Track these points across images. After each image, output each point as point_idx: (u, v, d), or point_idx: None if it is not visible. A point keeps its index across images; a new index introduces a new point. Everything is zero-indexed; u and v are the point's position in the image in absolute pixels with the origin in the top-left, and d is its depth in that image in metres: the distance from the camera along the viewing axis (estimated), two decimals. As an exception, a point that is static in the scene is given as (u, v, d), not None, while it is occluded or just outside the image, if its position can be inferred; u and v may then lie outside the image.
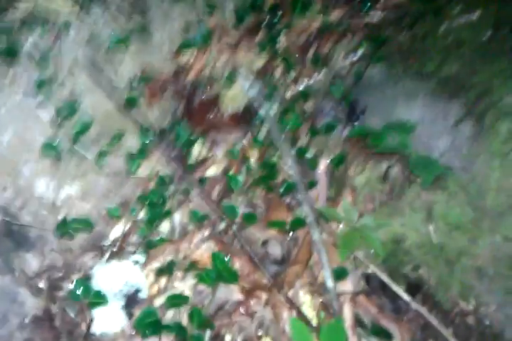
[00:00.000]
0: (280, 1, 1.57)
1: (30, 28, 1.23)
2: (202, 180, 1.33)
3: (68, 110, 1.26)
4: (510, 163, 1.12)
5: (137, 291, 1.20)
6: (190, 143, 1.39)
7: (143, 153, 1.34)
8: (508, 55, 1.22)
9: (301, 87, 1.46)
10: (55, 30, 1.26)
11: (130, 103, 1.35)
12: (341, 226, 1.25)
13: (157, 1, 1.46)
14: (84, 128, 1.27)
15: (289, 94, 1.45)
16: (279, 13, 1.54)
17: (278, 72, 1.50)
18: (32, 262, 1.20)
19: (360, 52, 1.45)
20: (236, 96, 1.44)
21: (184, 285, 1.22)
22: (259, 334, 1.17)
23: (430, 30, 1.37)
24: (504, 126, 1.14)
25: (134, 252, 1.26)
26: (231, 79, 1.43)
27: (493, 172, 1.14)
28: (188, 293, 1.19)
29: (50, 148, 1.22)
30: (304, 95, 1.43)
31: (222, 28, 1.58)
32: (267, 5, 1.55)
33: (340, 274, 1.17)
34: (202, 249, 1.24)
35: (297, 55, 1.51)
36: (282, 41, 1.53)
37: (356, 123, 1.37)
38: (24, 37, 1.23)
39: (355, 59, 1.46)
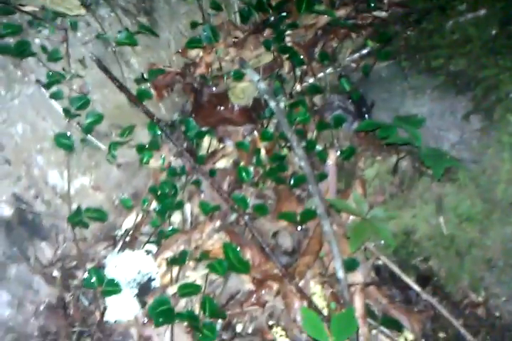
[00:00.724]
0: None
1: (37, 30, 1.24)
2: (212, 172, 1.34)
3: (81, 102, 1.26)
4: (520, 154, 1.13)
5: (150, 280, 1.21)
6: (200, 136, 1.39)
7: (154, 144, 1.35)
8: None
9: (309, 81, 1.47)
10: (63, 28, 1.27)
11: (141, 96, 1.36)
12: (352, 217, 1.25)
13: (163, 2, 1.47)
14: (97, 119, 1.28)
15: (298, 88, 1.46)
16: (286, 10, 1.55)
17: (286, 67, 1.51)
18: (46, 251, 1.21)
19: (367, 48, 1.46)
20: (245, 89, 1.44)
21: (196, 274, 1.22)
22: (270, 323, 1.17)
23: (437, 27, 1.38)
24: (513, 119, 1.15)
25: (147, 242, 1.27)
26: (239, 73, 1.43)
27: (503, 164, 1.15)
28: (199, 282, 1.20)
29: (63, 139, 1.23)
30: (313, 89, 1.43)
31: (228, 26, 1.59)
32: (273, 2, 1.56)
33: (350, 265, 1.18)
34: (213, 240, 1.25)
35: (305, 50, 1.51)
36: (289, 37, 1.54)
37: (365, 117, 1.38)
38: (32, 37, 1.23)
39: (362, 54, 1.47)
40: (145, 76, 1.40)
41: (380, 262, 1.23)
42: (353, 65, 1.49)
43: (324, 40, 1.55)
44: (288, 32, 1.54)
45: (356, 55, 1.48)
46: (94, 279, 1.14)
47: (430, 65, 1.31)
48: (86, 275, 1.15)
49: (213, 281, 1.22)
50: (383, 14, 1.55)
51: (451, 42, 1.33)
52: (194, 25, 1.50)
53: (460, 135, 1.21)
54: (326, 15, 1.53)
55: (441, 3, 1.44)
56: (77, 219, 1.21)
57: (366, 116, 1.38)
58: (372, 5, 1.55)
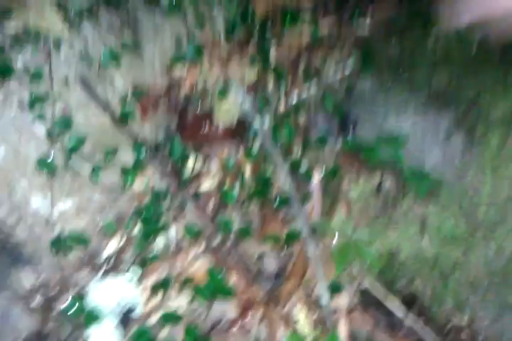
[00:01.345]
0: (270, 15, 1.58)
1: (21, 46, 1.23)
2: (196, 195, 1.33)
3: (63, 125, 1.26)
4: (501, 175, 1.14)
5: (132, 308, 1.20)
6: (184, 158, 1.39)
7: (137, 167, 1.34)
8: (495, 69, 1.24)
9: (293, 101, 1.47)
10: (46, 48, 1.26)
11: (124, 118, 1.35)
12: (336, 239, 1.25)
13: (148, 17, 1.47)
14: (79, 143, 1.27)
15: (281, 108, 1.46)
16: (269, 26, 1.55)
17: (270, 86, 1.51)
18: (26, 279, 1.20)
19: (349, 65, 1.47)
20: (229, 110, 1.44)
21: (179, 301, 1.22)
22: (255, 350, 1.17)
23: (418, 45, 1.39)
24: (494, 139, 1.15)
25: (129, 268, 1.26)
26: (224, 92, 1.43)
27: (484, 185, 1.16)
28: (183, 309, 1.19)
29: (44, 164, 1.22)
30: (297, 108, 1.44)
31: (213, 42, 1.59)
32: (257, 19, 1.56)
33: (335, 288, 1.18)
34: (198, 264, 1.25)
35: (288, 69, 1.52)
36: (273, 55, 1.55)
37: (348, 136, 1.39)
38: (15, 55, 1.23)
39: (345, 72, 1.47)
40: (129, 96, 1.39)
41: (365, 284, 1.23)
42: (337, 82, 1.49)
43: (308, 58, 1.55)
44: (272, 50, 1.54)
45: (339, 74, 1.48)
46: (75, 307, 1.13)
47: (413, 82, 1.31)
48: (67, 303, 1.14)
49: (197, 308, 1.21)
50: (367, 31, 1.55)
51: (432, 60, 1.34)
52: (179, 44, 1.50)
53: (442, 154, 1.22)
54: (309, 34, 1.54)
55: (422, 21, 1.44)
56: (58, 244, 1.20)
57: (349, 134, 1.38)
58: (355, 24, 1.56)
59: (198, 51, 1.46)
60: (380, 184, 1.27)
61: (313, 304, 1.18)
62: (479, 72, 1.25)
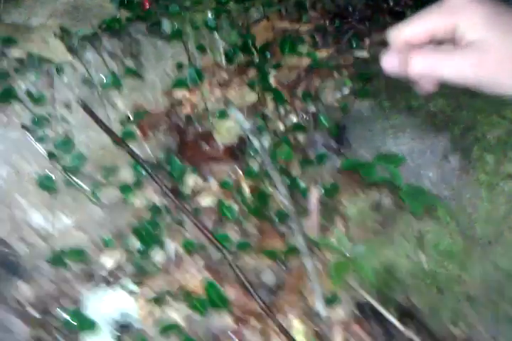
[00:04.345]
0: (270, 42, 1.63)
1: (25, 70, 1.27)
2: (197, 210, 1.35)
3: (65, 145, 1.28)
4: (497, 193, 1.15)
5: (130, 321, 1.20)
6: (184, 175, 1.41)
7: (138, 184, 1.36)
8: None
9: (293, 120, 1.50)
10: (49, 72, 1.30)
11: (126, 137, 1.38)
12: (334, 254, 1.26)
13: (149, 45, 1.51)
14: (80, 162, 1.29)
15: (281, 127, 1.49)
16: (270, 52, 1.59)
17: (270, 107, 1.54)
18: (25, 291, 1.20)
19: (348, 87, 1.49)
20: (230, 128, 1.47)
21: (178, 314, 1.22)
22: (253, 364, 1.17)
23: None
24: (491, 158, 1.17)
25: (128, 282, 1.26)
26: (224, 113, 1.46)
27: (482, 202, 1.17)
28: (181, 322, 1.19)
29: (47, 181, 1.24)
30: (296, 128, 1.46)
31: (214, 67, 1.63)
32: (258, 44, 1.60)
33: (332, 302, 1.18)
34: (196, 279, 1.25)
35: (288, 89, 1.55)
36: (273, 76, 1.58)
37: (347, 155, 1.40)
38: (19, 78, 1.26)
39: (344, 94, 1.50)
40: (131, 117, 1.42)
41: (362, 299, 1.23)
42: (335, 104, 1.52)
43: (307, 80, 1.58)
44: (272, 73, 1.58)
45: (338, 95, 1.51)
46: (73, 319, 1.13)
47: (410, 105, 1.34)
48: (65, 315, 1.15)
49: (195, 321, 1.21)
50: (364, 54, 1.59)
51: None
52: (180, 66, 1.54)
53: (440, 173, 1.23)
54: (308, 58, 1.57)
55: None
56: (58, 260, 1.21)
57: (348, 153, 1.40)
58: (354, 45, 1.60)
59: (199, 75, 1.49)
60: (378, 201, 1.29)
61: (310, 317, 1.18)
62: (475, 94, 1.27)
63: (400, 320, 1.18)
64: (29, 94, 1.26)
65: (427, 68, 0.72)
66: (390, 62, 0.74)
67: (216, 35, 1.63)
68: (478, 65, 0.69)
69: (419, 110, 1.31)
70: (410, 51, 0.73)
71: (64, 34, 1.40)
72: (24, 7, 1.46)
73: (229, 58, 1.62)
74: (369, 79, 1.46)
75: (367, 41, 1.64)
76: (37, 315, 1.19)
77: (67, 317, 1.14)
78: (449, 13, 0.73)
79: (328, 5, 1.88)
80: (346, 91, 1.50)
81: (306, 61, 1.61)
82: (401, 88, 1.39)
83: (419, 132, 1.29)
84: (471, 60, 0.71)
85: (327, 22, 1.70)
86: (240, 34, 1.61)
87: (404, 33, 0.76)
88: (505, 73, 0.68)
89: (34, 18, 1.43)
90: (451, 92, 1.30)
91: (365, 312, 1.22)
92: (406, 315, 1.20)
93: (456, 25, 0.72)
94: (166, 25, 1.56)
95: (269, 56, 1.58)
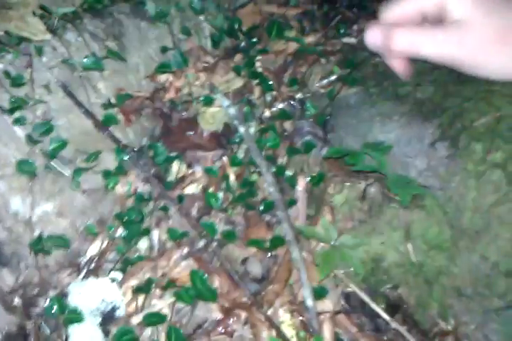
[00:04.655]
0: (256, 26, 1.60)
1: (2, 49, 1.22)
2: (181, 198, 1.32)
3: (44, 128, 1.24)
4: (485, 182, 1.14)
5: (114, 309, 1.18)
6: (168, 161, 1.38)
7: (121, 170, 1.33)
8: (479, 79, 1.25)
9: (279, 107, 1.47)
10: (28, 52, 1.25)
11: (108, 121, 1.34)
12: (321, 244, 1.25)
13: (132, 26, 1.47)
14: (61, 145, 1.25)
15: (267, 114, 1.46)
16: (256, 36, 1.56)
17: (256, 93, 1.52)
18: (7, 278, 1.17)
19: (335, 74, 1.47)
20: (215, 114, 1.44)
21: (162, 303, 1.20)
22: (238, 354, 1.15)
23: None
24: (479, 146, 1.16)
25: (112, 269, 1.24)
26: (209, 98, 1.43)
27: (469, 192, 1.16)
28: (166, 311, 1.17)
29: (26, 165, 1.20)
30: (283, 115, 1.44)
31: (199, 51, 1.59)
32: (244, 28, 1.57)
33: (319, 293, 1.17)
34: (181, 267, 1.23)
35: (274, 75, 1.52)
36: (260, 63, 1.55)
37: (333, 143, 1.39)
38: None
39: (331, 80, 1.48)
40: (112, 101, 1.38)
41: (349, 289, 1.22)
42: (322, 90, 1.50)
43: (294, 65, 1.56)
44: (258, 58, 1.55)
45: (325, 81, 1.49)
46: (56, 307, 1.11)
47: (397, 92, 1.32)
48: (48, 303, 1.12)
49: (180, 310, 1.19)
50: (352, 40, 1.57)
51: (418, 69, 1.35)
52: (164, 50, 1.50)
53: (427, 162, 1.22)
54: (295, 42, 1.55)
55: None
56: (39, 246, 1.18)
57: (333, 141, 1.39)
58: (342, 31, 1.58)
59: (184, 58, 1.45)
60: (365, 190, 1.27)
61: (297, 307, 1.17)
62: (463, 82, 1.27)
63: (387, 311, 1.18)
64: (6, 74, 1.21)
65: (409, 44, 0.71)
66: (373, 37, 0.73)
67: (201, 17, 1.59)
68: (459, 43, 0.68)
69: (406, 97, 1.30)
70: (394, 27, 0.71)
71: (44, 13, 1.34)
72: (2, -16, 1.40)
73: (214, 42, 1.59)
74: (356, 65, 1.44)
75: (355, 27, 1.62)
76: (19, 303, 1.16)
77: (50, 305, 1.11)
78: None
79: (316, -10, 1.85)
80: (333, 77, 1.48)
81: (293, 46, 1.58)
82: (388, 75, 1.37)
83: (406, 120, 1.27)
84: (453, 38, 0.70)
85: (315, 7, 1.67)
86: (226, 17, 1.58)
87: (395, 11, 0.74)
88: (486, 54, 0.67)
89: (12, -4, 1.37)
90: (439, 80, 1.29)
91: (352, 303, 1.22)
92: (393, 306, 1.20)
93: (445, 3, 0.71)
94: (150, 6, 1.51)
95: (255, 40, 1.55)
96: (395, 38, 0.72)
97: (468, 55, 0.71)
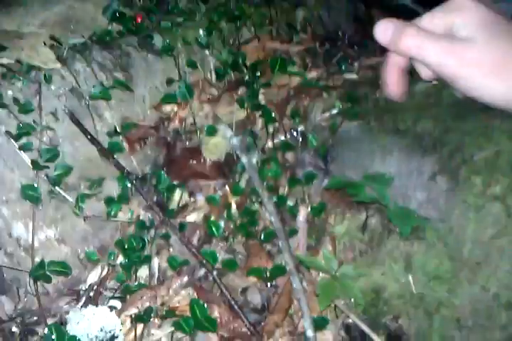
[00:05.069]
0: (260, 61, 1.64)
1: (11, 82, 1.25)
2: (182, 226, 1.32)
3: (50, 154, 1.26)
4: (485, 215, 1.15)
5: (113, 338, 1.16)
6: (171, 189, 1.39)
7: (123, 197, 1.34)
8: (479, 114, 1.28)
9: (281, 138, 1.49)
10: (36, 84, 1.28)
11: (113, 149, 1.36)
12: (321, 274, 1.24)
13: (139, 58, 1.51)
14: (66, 171, 1.27)
15: (270, 145, 1.48)
16: (260, 70, 1.60)
17: (259, 124, 1.54)
18: (6, 305, 1.16)
19: (337, 108, 1.50)
20: (218, 144, 1.46)
21: (161, 332, 1.18)
22: (237, 385, 1.13)
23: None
24: (478, 180, 1.17)
25: (111, 297, 1.23)
26: (212, 129, 1.46)
27: (469, 224, 1.17)
28: (164, 340, 1.16)
29: (30, 190, 1.21)
30: (285, 146, 1.46)
31: (203, 83, 1.63)
32: (248, 62, 1.61)
33: (320, 323, 1.16)
34: (180, 296, 1.22)
35: (277, 109, 1.55)
36: (263, 96, 1.58)
37: (334, 175, 1.40)
38: (4, 89, 1.24)
39: (333, 114, 1.51)
40: (118, 129, 1.40)
41: (349, 320, 1.21)
42: (324, 123, 1.52)
43: (296, 99, 1.59)
44: (261, 90, 1.58)
45: (327, 114, 1.52)
46: (54, 336, 1.09)
47: (397, 126, 1.34)
48: (46, 331, 1.11)
49: (179, 339, 1.18)
50: (354, 76, 1.61)
51: (417, 104, 1.37)
52: (170, 81, 1.53)
53: (427, 194, 1.23)
54: (298, 77, 1.58)
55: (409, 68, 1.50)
56: (39, 272, 1.17)
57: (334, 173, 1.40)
58: (343, 67, 1.61)
59: (189, 90, 1.48)
60: (365, 221, 1.28)
61: (297, 338, 1.16)
62: (463, 116, 1.29)
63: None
64: (15, 100, 1.24)
65: (416, 46, 0.74)
66: (383, 31, 0.75)
67: (207, 52, 1.63)
68: (461, 55, 0.71)
69: (406, 132, 1.31)
70: (407, 26, 0.74)
71: (54, 43, 1.38)
72: (16, 15, 1.44)
73: (219, 75, 1.63)
74: (358, 100, 1.47)
75: (356, 64, 1.67)
76: (18, 331, 1.15)
77: (49, 333, 1.09)
78: (449, 11, 0.75)
79: (319, 29, 1.91)
80: (335, 111, 1.51)
81: (295, 81, 1.62)
82: (389, 110, 1.40)
83: (406, 153, 1.29)
84: (456, 49, 0.73)
85: (317, 44, 1.72)
86: (231, 52, 1.62)
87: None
88: (484, 75, 0.69)
89: (25, 27, 1.41)
90: (438, 115, 1.31)
91: (352, 334, 1.20)
92: (394, 337, 1.19)
93: (453, 23, 0.74)
94: (158, 40, 1.56)
95: (259, 75, 1.59)
96: (405, 36, 0.75)
97: (467, 73, 0.73)
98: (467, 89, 0.76)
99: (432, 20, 0.75)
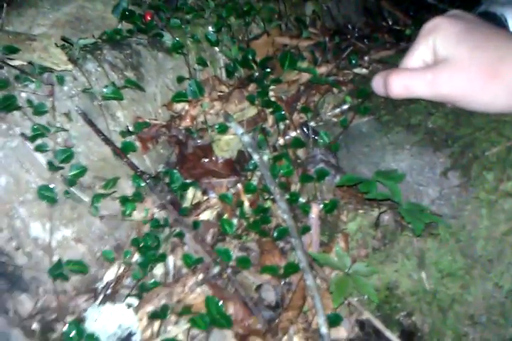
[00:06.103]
0: (270, 57, 1.64)
1: (24, 84, 1.26)
2: (196, 224, 1.34)
3: (65, 154, 1.27)
4: (497, 211, 1.15)
5: (130, 335, 1.18)
6: (184, 188, 1.40)
7: (138, 196, 1.35)
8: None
9: (292, 135, 1.50)
10: (50, 81, 1.29)
11: (126, 148, 1.37)
12: (335, 271, 1.26)
13: (150, 57, 1.51)
14: (81, 171, 1.28)
15: (281, 141, 1.49)
16: (269, 67, 1.60)
17: (270, 121, 1.55)
18: (26, 303, 1.18)
19: (347, 103, 1.50)
20: (229, 142, 1.47)
21: (178, 329, 1.20)
22: (253, 381, 1.15)
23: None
24: (490, 176, 1.17)
25: (128, 295, 1.25)
26: (224, 126, 1.46)
27: (482, 220, 1.17)
28: (181, 337, 1.18)
29: (46, 191, 1.23)
30: (296, 142, 1.46)
31: (214, 81, 1.63)
32: (258, 59, 1.61)
33: (334, 320, 1.17)
34: (196, 293, 1.24)
35: (288, 105, 1.55)
36: (273, 92, 1.59)
37: (346, 171, 1.40)
38: (18, 91, 1.25)
39: (343, 109, 1.51)
40: (130, 129, 1.42)
41: (363, 317, 1.22)
42: (335, 119, 1.52)
43: (306, 95, 1.59)
44: (272, 87, 1.58)
45: (337, 110, 1.52)
46: (73, 333, 1.12)
47: (409, 122, 1.34)
48: (66, 328, 1.13)
49: (195, 336, 1.20)
50: (364, 71, 1.60)
51: (429, 100, 1.37)
52: (180, 79, 1.54)
53: (439, 191, 1.23)
54: (308, 72, 1.58)
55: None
56: (57, 271, 1.19)
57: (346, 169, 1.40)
58: (354, 62, 1.61)
59: (199, 88, 1.49)
60: (378, 218, 1.29)
61: (312, 335, 1.17)
62: (474, 112, 1.29)
63: (401, 338, 1.18)
64: (29, 102, 1.25)
65: (403, 87, 0.74)
66: (376, 85, 0.76)
67: (216, 48, 1.64)
68: (449, 81, 0.70)
69: (418, 127, 1.31)
70: (390, 73, 0.74)
71: (65, 44, 1.39)
72: (26, 17, 1.45)
73: (229, 72, 1.63)
74: (368, 95, 1.46)
75: (366, 58, 1.66)
76: (38, 328, 1.17)
77: (68, 331, 1.12)
78: (427, 33, 0.75)
79: (328, 22, 1.91)
80: (345, 106, 1.51)
81: (305, 76, 1.62)
82: (400, 105, 1.39)
83: (418, 149, 1.29)
84: (442, 76, 0.72)
85: (327, 39, 1.72)
86: (240, 48, 1.62)
87: (405, 64, 0.76)
88: (475, 89, 0.69)
89: (36, 28, 1.42)
90: (450, 110, 1.31)
91: (366, 331, 1.22)
92: (407, 334, 1.20)
93: (434, 45, 0.74)
94: (167, 38, 1.56)
95: (269, 71, 1.59)
96: (391, 83, 0.75)
97: (459, 92, 0.73)
98: (470, 106, 0.76)
99: (418, 48, 0.74)
